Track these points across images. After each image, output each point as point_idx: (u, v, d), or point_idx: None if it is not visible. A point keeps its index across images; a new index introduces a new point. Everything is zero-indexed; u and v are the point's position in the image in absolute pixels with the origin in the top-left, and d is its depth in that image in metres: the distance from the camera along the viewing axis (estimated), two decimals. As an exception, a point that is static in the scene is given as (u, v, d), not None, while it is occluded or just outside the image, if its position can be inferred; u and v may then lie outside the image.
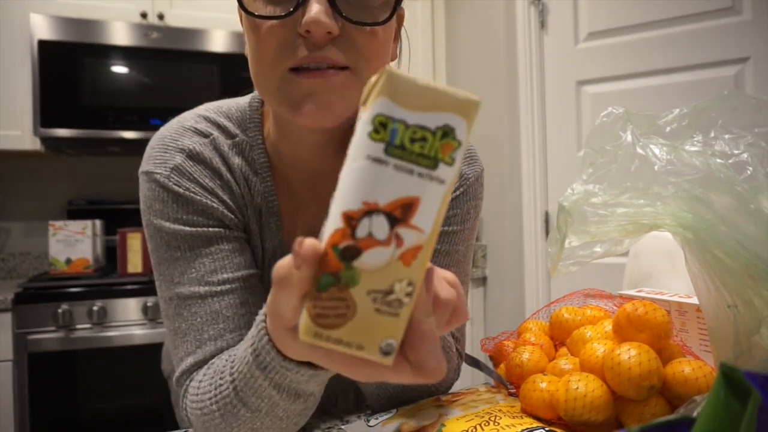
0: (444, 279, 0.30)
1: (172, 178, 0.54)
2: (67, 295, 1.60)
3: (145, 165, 0.56)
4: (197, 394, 0.48)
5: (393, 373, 0.29)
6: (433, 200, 0.26)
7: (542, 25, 1.81)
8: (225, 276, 0.53)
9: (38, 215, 2.07)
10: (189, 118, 0.58)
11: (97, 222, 1.83)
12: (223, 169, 0.56)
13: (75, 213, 2.03)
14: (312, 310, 0.26)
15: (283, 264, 0.27)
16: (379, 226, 0.26)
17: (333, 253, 0.26)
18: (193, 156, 0.55)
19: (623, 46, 1.66)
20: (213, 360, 0.50)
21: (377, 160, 0.26)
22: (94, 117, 1.79)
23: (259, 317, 0.38)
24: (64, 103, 1.76)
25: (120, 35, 1.81)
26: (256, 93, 0.60)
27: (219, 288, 0.52)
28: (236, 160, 0.57)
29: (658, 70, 1.60)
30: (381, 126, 0.26)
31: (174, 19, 1.94)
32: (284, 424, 0.45)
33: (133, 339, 1.64)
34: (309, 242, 0.25)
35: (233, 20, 1.89)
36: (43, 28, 1.74)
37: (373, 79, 0.26)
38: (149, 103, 1.82)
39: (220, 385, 0.45)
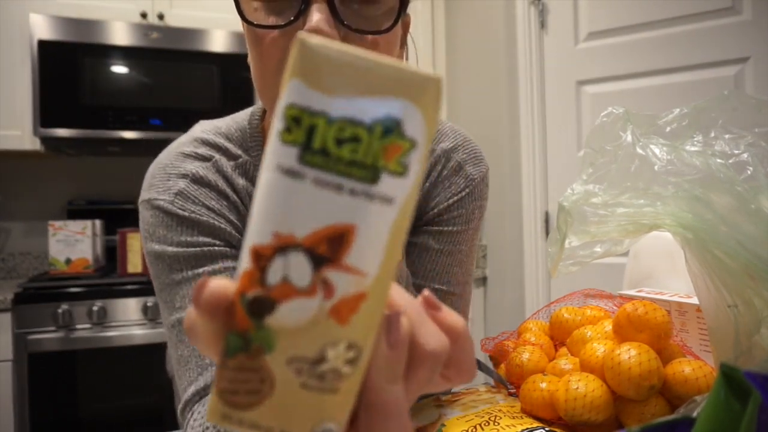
0: (434, 319, 0.22)
1: (176, 203, 0.53)
2: (67, 295, 1.60)
3: (146, 194, 0.54)
4: (193, 429, 0.46)
5: None
6: (376, 229, 0.18)
7: (542, 25, 1.81)
8: None
9: (38, 215, 2.07)
10: (187, 143, 0.57)
11: (97, 222, 1.83)
12: (228, 191, 0.55)
13: (75, 213, 2.03)
14: (219, 382, 0.19)
15: (191, 311, 0.20)
16: (297, 267, 0.18)
17: (240, 305, 0.19)
18: (197, 180, 0.54)
19: (623, 46, 1.66)
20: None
21: (290, 173, 0.18)
22: (94, 117, 1.79)
23: None
24: (64, 103, 1.76)
25: (120, 35, 1.81)
26: (254, 109, 0.60)
27: None
28: (240, 181, 0.56)
29: (658, 70, 1.60)
30: (294, 122, 0.18)
31: (174, 19, 1.94)
32: None
33: (133, 339, 1.64)
34: (213, 285, 0.19)
35: (233, 20, 1.89)
36: (42, 28, 1.74)
37: None
38: (149, 103, 1.82)
39: (207, 427, 0.44)
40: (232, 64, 1.89)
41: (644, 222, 0.44)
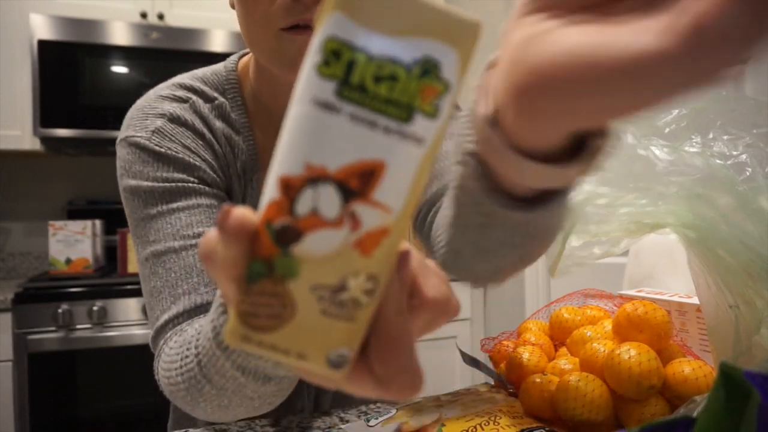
0: (429, 269, 0.23)
1: (153, 139, 0.54)
2: (67, 295, 1.60)
3: (124, 132, 0.56)
4: (167, 362, 0.46)
5: (351, 386, 0.22)
6: (405, 167, 0.19)
7: (542, 25, 1.81)
8: (201, 230, 0.52)
9: (38, 215, 2.07)
10: (164, 87, 0.59)
11: (97, 222, 1.83)
12: (205, 131, 0.57)
13: (75, 213, 2.03)
14: (239, 305, 0.20)
15: (209, 237, 0.21)
16: (327, 199, 0.19)
17: (266, 234, 0.19)
18: (174, 119, 0.56)
19: (623, 46, 1.66)
20: (185, 326, 0.48)
21: (326, 106, 0.18)
22: (93, 117, 1.79)
23: (219, 291, 0.35)
24: (64, 103, 1.76)
25: (120, 35, 1.81)
26: (232, 57, 0.62)
27: (194, 241, 0.51)
28: (217, 123, 0.58)
29: (658, 71, 1.60)
30: (333, 56, 0.18)
31: (174, 19, 1.94)
32: (256, 403, 0.42)
33: (133, 339, 1.64)
34: (238, 213, 0.19)
35: (233, 20, 1.89)
36: (43, 28, 1.74)
37: None
38: (149, 103, 1.82)
39: (186, 356, 0.42)
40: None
41: (647, 221, 0.45)
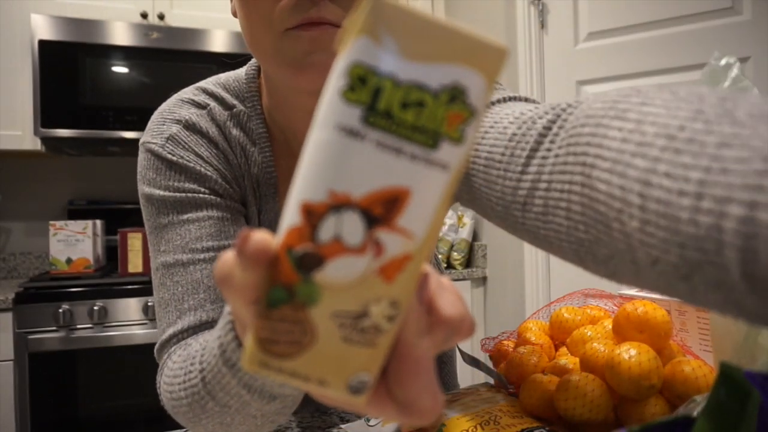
0: (445, 287, 0.23)
1: (167, 147, 0.54)
2: (67, 295, 1.61)
3: (143, 137, 0.56)
4: (169, 376, 0.45)
5: (372, 410, 0.22)
6: (429, 193, 0.19)
7: (542, 25, 1.81)
8: (210, 244, 0.51)
9: (39, 215, 2.07)
10: (188, 91, 0.59)
11: (98, 222, 1.83)
12: (220, 139, 0.56)
13: (75, 213, 2.03)
14: (259, 331, 0.20)
15: (226, 259, 0.21)
16: (350, 226, 0.19)
17: (287, 260, 0.19)
18: (190, 126, 0.55)
19: (623, 46, 1.66)
20: (190, 340, 0.48)
21: (351, 132, 0.18)
22: (94, 117, 1.79)
23: (227, 308, 0.34)
24: (65, 103, 1.76)
25: (120, 35, 1.81)
26: (252, 62, 0.60)
27: (202, 256, 0.51)
28: (234, 132, 0.57)
29: (658, 70, 1.60)
30: (359, 81, 0.18)
31: (174, 19, 1.94)
32: (259, 422, 0.42)
33: (134, 339, 1.64)
34: (257, 238, 0.19)
35: (233, 20, 1.89)
36: (43, 28, 1.74)
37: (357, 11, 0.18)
38: (150, 103, 1.82)
39: (190, 371, 0.42)
40: (232, 64, 1.90)
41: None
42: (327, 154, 0.18)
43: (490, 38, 0.18)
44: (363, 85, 0.18)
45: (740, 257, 0.20)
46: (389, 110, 0.18)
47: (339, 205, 0.18)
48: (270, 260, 0.19)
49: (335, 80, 0.18)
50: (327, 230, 0.19)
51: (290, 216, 0.19)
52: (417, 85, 0.18)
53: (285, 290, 0.19)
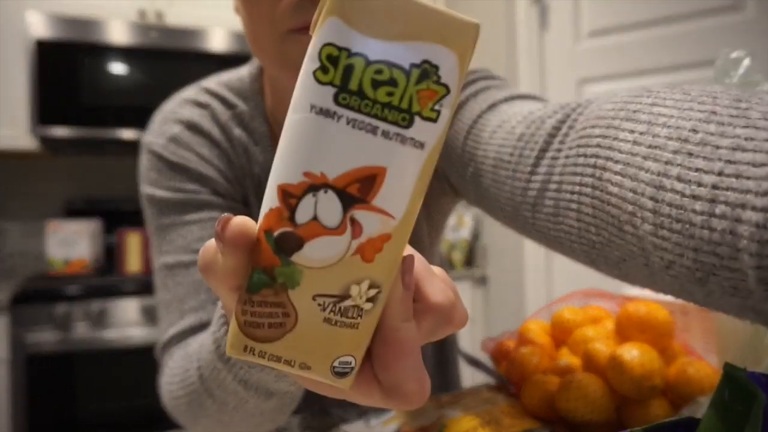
0: (435, 273, 0.23)
1: (169, 147, 0.54)
2: (65, 296, 1.60)
3: (146, 137, 0.56)
4: (169, 375, 0.46)
5: (357, 395, 0.22)
6: (406, 172, 0.19)
7: (543, 23, 1.81)
8: None
9: (36, 215, 2.07)
10: (192, 89, 0.59)
11: (96, 222, 1.82)
12: (221, 139, 0.56)
13: (73, 213, 2.02)
14: (241, 315, 0.20)
15: (208, 247, 0.21)
16: (327, 207, 0.18)
17: (266, 242, 0.19)
18: (191, 126, 0.55)
19: (625, 44, 1.65)
20: (190, 340, 0.48)
21: (324, 113, 0.18)
22: (92, 116, 1.78)
23: (220, 303, 0.34)
24: (62, 103, 1.75)
25: (118, 34, 1.81)
26: (254, 61, 0.60)
27: None
28: (236, 131, 0.57)
29: (660, 69, 1.60)
30: (330, 61, 0.18)
31: (173, 18, 1.94)
32: (258, 420, 0.41)
33: (132, 340, 1.64)
34: (237, 222, 0.19)
35: (232, 19, 1.89)
36: (40, 27, 1.73)
37: None
38: (148, 103, 1.82)
39: (188, 369, 0.42)
40: (231, 64, 1.89)
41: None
42: (302, 135, 0.18)
43: (460, 15, 0.18)
44: (334, 65, 0.18)
45: (756, 262, 0.20)
46: (361, 89, 0.18)
47: (315, 185, 0.18)
48: (250, 244, 0.19)
49: (308, 63, 0.18)
50: (304, 212, 0.19)
51: (269, 199, 0.19)
52: (388, 64, 0.18)
53: (266, 274, 0.19)
